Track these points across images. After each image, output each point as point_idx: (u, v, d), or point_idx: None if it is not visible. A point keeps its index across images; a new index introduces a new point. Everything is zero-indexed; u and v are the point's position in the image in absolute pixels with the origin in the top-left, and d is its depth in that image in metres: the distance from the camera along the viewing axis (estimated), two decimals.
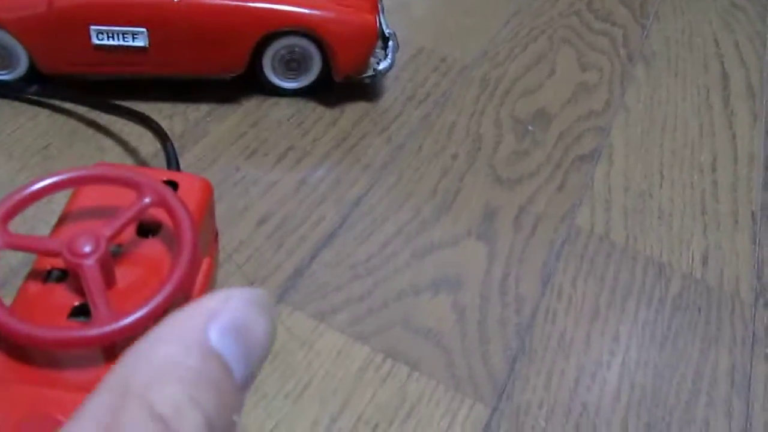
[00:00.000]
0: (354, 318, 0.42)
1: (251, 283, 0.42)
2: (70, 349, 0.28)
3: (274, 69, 0.53)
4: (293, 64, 0.53)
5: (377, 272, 0.44)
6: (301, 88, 0.55)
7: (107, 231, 0.30)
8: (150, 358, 0.14)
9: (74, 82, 0.53)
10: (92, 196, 0.35)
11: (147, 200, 0.32)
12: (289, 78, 0.54)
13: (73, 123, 0.51)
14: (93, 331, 0.27)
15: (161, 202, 0.31)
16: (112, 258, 0.31)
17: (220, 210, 0.46)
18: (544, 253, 0.48)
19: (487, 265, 0.46)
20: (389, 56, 0.55)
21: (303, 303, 0.42)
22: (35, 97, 0.52)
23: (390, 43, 0.55)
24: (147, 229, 0.34)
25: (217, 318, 0.15)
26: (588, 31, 0.73)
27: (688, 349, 0.45)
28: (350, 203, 0.48)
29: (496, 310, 0.44)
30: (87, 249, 0.29)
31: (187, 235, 0.30)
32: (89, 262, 0.29)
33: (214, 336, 0.15)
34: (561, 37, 0.71)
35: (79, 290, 0.30)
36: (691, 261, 0.50)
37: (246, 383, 0.15)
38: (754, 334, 0.47)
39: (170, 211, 0.31)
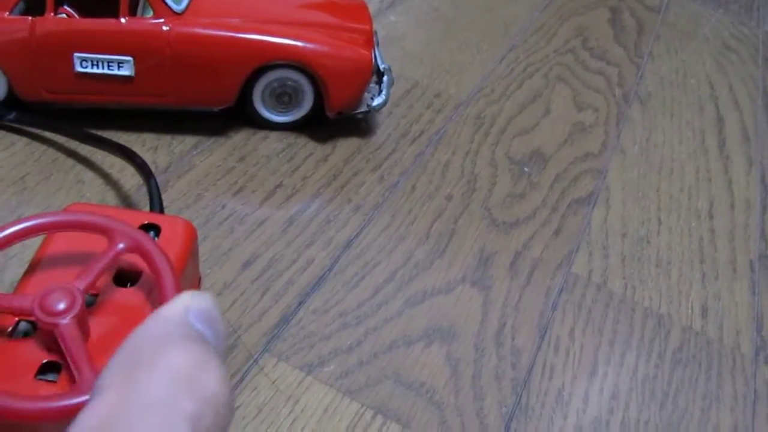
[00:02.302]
0: (343, 370, 0.39)
1: (235, 332, 0.40)
2: (55, 421, 0.25)
3: (264, 102, 0.52)
4: (285, 98, 0.52)
5: (368, 321, 0.42)
6: (291, 122, 0.53)
7: (81, 283, 0.28)
8: (149, 335, 0.18)
9: (55, 111, 0.50)
10: (64, 242, 0.32)
11: (120, 246, 0.29)
12: (279, 111, 0.53)
13: (51, 153, 0.49)
14: (82, 399, 0.24)
15: (137, 249, 0.29)
16: (86, 309, 0.29)
17: (204, 250, 0.44)
18: (541, 302, 0.46)
19: (482, 314, 0.45)
20: (383, 92, 0.53)
21: (289, 354, 0.40)
22: (12, 124, 0.50)
23: (385, 78, 0.54)
24: (126, 277, 0.32)
25: (191, 310, 0.20)
26: (583, 70, 0.72)
27: (689, 407, 0.43)
28: (340, 245, 0.46)
29: (492, 363, 0.42)
30: (62, 306, 0.27)
31: (169, 285, 0.28)
32: (65, 321, 0.26)
33: (194, 322, 0.19)
34: (556, 75, 0.70)
35: (48, 346, 0.28)
36: (690, 312, 0.49)
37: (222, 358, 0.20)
38: (755, 391, 0.45)
39: (148, 260, 0.29)
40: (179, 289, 0.29)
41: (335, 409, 0.38)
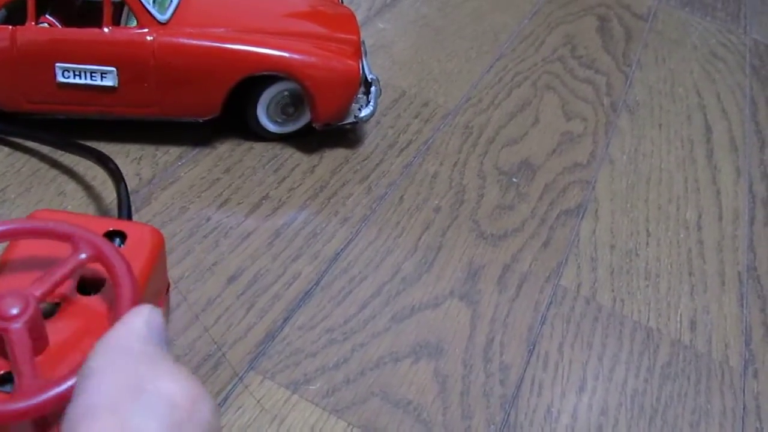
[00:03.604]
0: (329, 388, 0.39)
1: (220, 349, 0.39)
2: None
3: (268, 113, 0.51)
4: (289, 109, 0.51)
5: (355, 337, 0.42)
6: (292, 132, 0.53)
7: (37, 290, 0.27)
8: (120, 345, 0.23)
9: (36, 121, 0.49)
10: (28, 249, 0.32)
11: (83, 256, 0.29)
12: (281, 122, 0.52)
13: (33, 164, 0.48)
14: (17, 405, 0.24)
15: (99, 258, 0.29)
16: (47, 317, 0.29)
17: (188, 264, 0.43)
18: (530, 316, 0.46)
19: (471, 329, 0.44)
20: (371, 102, 0.53)
21: (275, 371, 0.39)
22: None
23: (372, 88, 0.53)
24: (90, 284, 0.31)
25: (150, 325, 0.24)
26: (572, 78, 0.72)
27: (678, 422, 0.43)
28: (327, 259, 0.46)
29: (480, 379, 0.41)
30: (14, 311, 0.26)
31: (127, 295, 0.28)
32: (16, 325, 0.26)
33: (154, 336, 0.24)
34: (545, 84, 0.70)
35: (5, 356, 0.27)
36: (679, 325, 0.49)
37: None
38: (744, 405, 0.45)
39: (109, 270, 0.28)
40: (137, 301, 0.28)
41: (321, 429, 0.37)
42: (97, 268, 0.30)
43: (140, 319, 0.24)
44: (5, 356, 0.27)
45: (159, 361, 0.23)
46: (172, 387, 0.22)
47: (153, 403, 0.21)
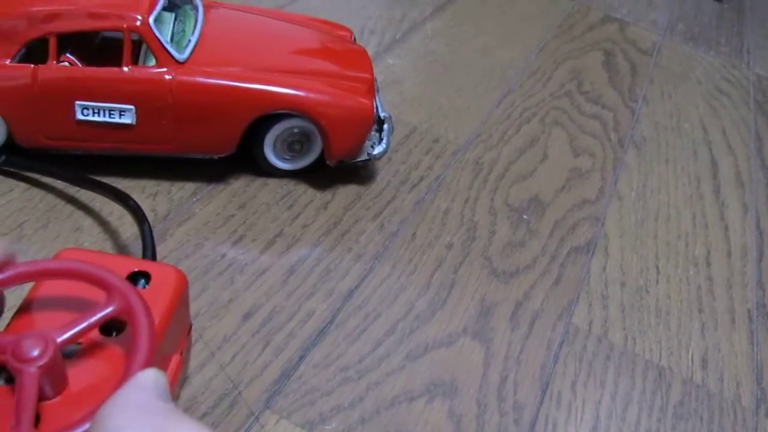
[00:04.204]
0: (345, 428, 0.39)
1: (236, 388, 0.39)
2: None
3: (275, 150, 0.52)
4: (296, 146, 0.52)
5: (369, 375, 0.42)
6: (300, 169, 0.53)
7: (60, 335, 0.27)
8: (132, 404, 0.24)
9: (53, 156, 0.50)
10: (55, 288, 0.32)
11: (111, 309, 0.29)
12: (288, 159, 0.53)
13: (50, 199, 0.49)
14: None
15: (127, 312, 0.29)
16: (67, 357, 0.29)
17: (203, 301, 0.44)
18: (543, 354, 0.46)
19: (484, 367, 0.44)
20: (384, 140, 0.53)
21: (290, 410, 0.39)
22: (10, 169, 0.50)
23: (385, 126, 0.54)
24: (111, 326, 0.32)
25: (156, 383, 0.25)
26: (579, 114, 0.73)
27: None
28: (341, 296, 0.46)
29: (494, 419, 0.41)
30: (34, 353, 0.26)
31: (142, 352, 0.28)
32: (30, 369, 0.26)
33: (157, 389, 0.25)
34: (553, 119, 0.71)
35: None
36: (690, 364, 0.49)
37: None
38: None
39: (132, 322, 0.29)
40: (152, 358, 0.28)
41: None
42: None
43: (150, 378, 0.25)
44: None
45: (176, 414, 0.24)
46: None
47: None
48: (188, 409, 0.37)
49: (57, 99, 0.47)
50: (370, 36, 0.76)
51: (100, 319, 0.29)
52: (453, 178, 0.59)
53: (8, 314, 0.32)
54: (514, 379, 0.44)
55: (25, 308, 0.32)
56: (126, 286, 0.29)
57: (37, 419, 0.28)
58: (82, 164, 0.50)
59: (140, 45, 0.48)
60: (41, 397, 0.28)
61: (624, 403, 0.45)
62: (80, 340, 0.31)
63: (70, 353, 0.30)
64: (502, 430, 0.41)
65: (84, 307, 0.29)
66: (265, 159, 0.52)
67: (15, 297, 0.37)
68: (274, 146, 0.52)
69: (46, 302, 0.32)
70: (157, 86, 0.47)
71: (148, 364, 0.28)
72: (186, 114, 0.48)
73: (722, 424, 0.45)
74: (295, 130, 0.51)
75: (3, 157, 0.49)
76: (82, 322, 0.28)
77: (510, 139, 0.66)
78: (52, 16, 0.46)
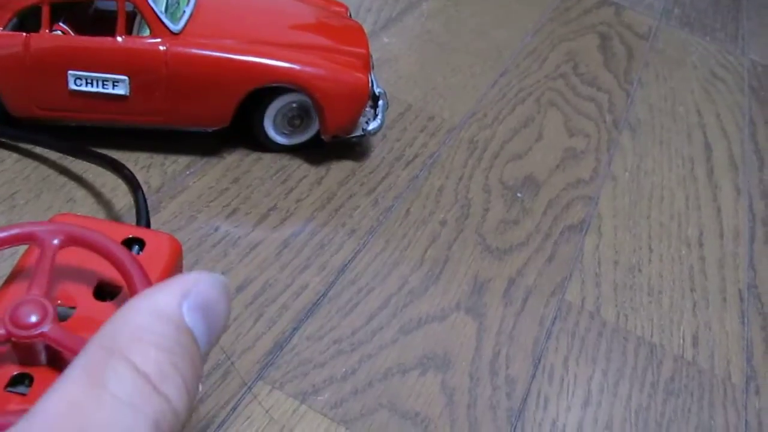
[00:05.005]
0: (337, 399, 0.39)
1: (228, 358, 0.39)
2: None
3: (275, 124, 0.51)
4: (296, 121, 0.52)
5: (362, 348, 0.42)
6: (299, 144, 0.53)
7: (36, 291, 0.27)
8: (130, 325, 0.18)
9: (46, 128, 0.50)
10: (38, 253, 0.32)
11: (55, 242, 0.29)
12: (288, 134, 0.52)
13: (43, 170, 0.48)
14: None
15: (74, 241, 0.29)
16: (62, 321, 0.29)
17: None
18: (535, 329, 0.46)
19: (477, 342, 0.44)
20: (379, 116, 0.53)
21: (283, 381, 0.39)
22: (2, 140, 0.49)
23: (380, 102, 0.54)
24: (105, 292, 0.31)
25: (189, 297, 0.19)
26: (574, 95, 0.73)
27: None
28: (335, 270, 0.46)
29: (486, 392, 0.42)
30: (33, 319, 0.26)
31: (138, 281, 0.28)
32: (46, 328, 0.26)
33: (187, 312, 0.19)
34: (548, 100, 0.70)
35: (19, 357, 0.27)
36: (682, 341, 0.49)
37: (207, 355, 0.20)
38: (746, 422, 0.45)
39: (126, 278, 0.29)
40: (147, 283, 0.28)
41: None
42: (114, 275, 0.30)
43: (172, 297, 0.19)
44: (21, 358, 0.27)
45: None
46: (143, 360, 0.19)
47: None
48: None
49: (49, 69, 0.46)
50: (366, 14, 0.75)
51: (52, 255, 0.29)
52: (447, 156, 0.59)
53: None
54: (506, 353, 0.44)
55: (9, 282, 0.31)
56: (118, 247, 0.29)
57: (31, 382, 0.28)
58: (75, 136, 0.50)
59: (135, 16, 0.48)
60: (34, 362, 0.28)
61: (615, 378, 0.45)
62: (73, 305, 0.30)
63: (64, 317, 0.30)
64: (494, 403, 0.41)
65: (83, 274, 0.29)
66: (264, 134, 0.52)
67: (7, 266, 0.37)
68: (275, 120, 0.51)
69: (23, 275, 0.31)
70: (151, 57, 0.47)
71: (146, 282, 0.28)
72: (180, 86, 0.48)
73: (712, 401, 0.46)
74: (294, 104, 0.51)
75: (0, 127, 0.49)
76: (40, 267, 0.28)
77: (505, 118, 0.66)
78: None
